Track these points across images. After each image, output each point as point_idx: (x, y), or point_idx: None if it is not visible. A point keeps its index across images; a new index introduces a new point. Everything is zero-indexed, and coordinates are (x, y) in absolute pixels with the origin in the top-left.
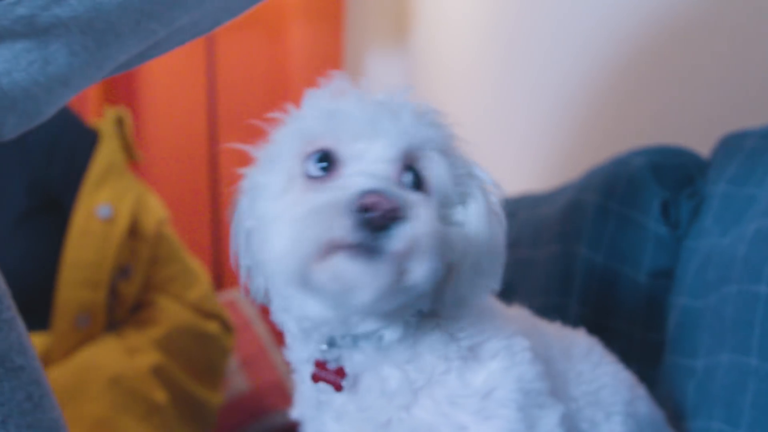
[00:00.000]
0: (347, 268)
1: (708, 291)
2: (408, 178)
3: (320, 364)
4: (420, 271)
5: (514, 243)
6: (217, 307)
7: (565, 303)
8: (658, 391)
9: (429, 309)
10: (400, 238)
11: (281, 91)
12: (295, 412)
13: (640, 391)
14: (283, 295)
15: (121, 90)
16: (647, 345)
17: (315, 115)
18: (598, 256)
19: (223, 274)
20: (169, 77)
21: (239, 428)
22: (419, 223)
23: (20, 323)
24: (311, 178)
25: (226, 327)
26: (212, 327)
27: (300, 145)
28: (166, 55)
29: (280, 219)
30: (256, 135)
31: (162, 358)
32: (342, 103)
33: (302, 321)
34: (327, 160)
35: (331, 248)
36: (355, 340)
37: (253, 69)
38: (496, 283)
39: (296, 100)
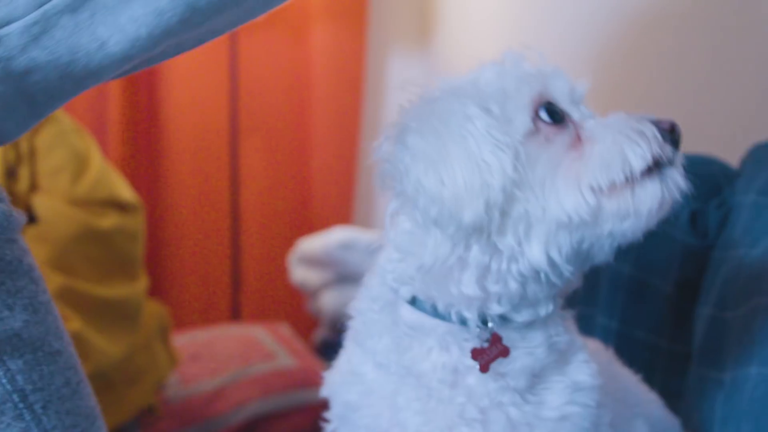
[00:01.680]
0: (660, 185)
1: (737, 302)
2: None
3: (477, 351)
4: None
5: None
6: (111, 188)
7: (590, 313)
8: (683, 403)
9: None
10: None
11: (304, 91)
12: (349, 396)
13: (652, 395)
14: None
15: (142, 90)
16: (673, 356)
17: (546, 74)
18: (625, 266)
19: (240, 303)
20: (191, 76)
21: (284, 391)
22: None
23: (55, 307)
24: (548, 124)
25: (126, 207)
26: (109, 220)
27: (533, 97)
28: (189, 53)
29: (568, 156)
30: (277, 134)
31: (63, 279)
32: (555, 67)
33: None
34: (552, 111)
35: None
36: (508, 315)
37: (275, 68)
38: None
39: (319, 99)
